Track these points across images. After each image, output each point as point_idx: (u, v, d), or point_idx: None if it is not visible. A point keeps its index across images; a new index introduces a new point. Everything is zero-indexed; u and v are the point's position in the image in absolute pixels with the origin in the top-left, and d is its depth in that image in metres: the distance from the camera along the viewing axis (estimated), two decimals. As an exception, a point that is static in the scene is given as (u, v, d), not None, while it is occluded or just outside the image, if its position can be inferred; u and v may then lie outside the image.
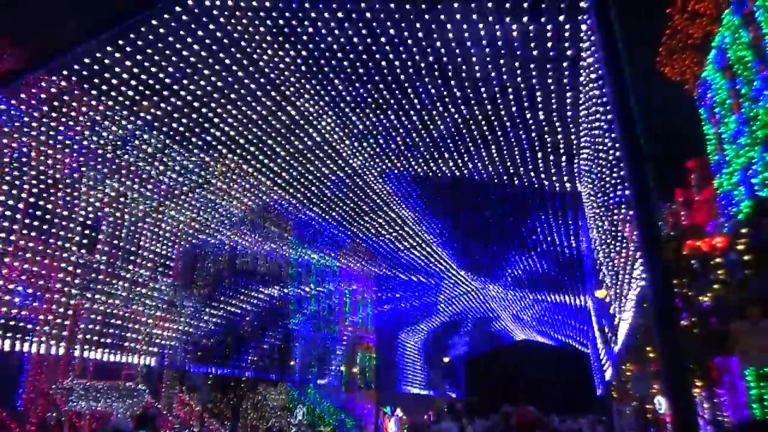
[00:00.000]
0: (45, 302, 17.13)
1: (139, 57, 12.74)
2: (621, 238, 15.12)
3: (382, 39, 12.00)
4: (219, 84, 14.15)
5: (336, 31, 12.09)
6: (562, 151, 15.42)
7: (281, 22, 12.15)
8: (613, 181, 13.12)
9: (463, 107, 14.02)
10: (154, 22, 11.39)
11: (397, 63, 12.77)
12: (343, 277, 37.55)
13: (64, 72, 14.35)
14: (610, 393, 32.67)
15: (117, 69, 13.31)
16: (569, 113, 13.55)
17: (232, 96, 14.68)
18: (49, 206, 18.00)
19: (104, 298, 19.10)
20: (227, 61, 13.25)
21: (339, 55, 12.76)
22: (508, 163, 16.66)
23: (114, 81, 14.18)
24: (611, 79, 3.45)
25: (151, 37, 11.94)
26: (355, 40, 12.24)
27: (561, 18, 10.79)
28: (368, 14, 11.43)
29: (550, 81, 12.56)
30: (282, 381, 21.65)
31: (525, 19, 10.90)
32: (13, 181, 16.75)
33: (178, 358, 21.84)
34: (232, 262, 25.23)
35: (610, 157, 12.38)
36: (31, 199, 17.32)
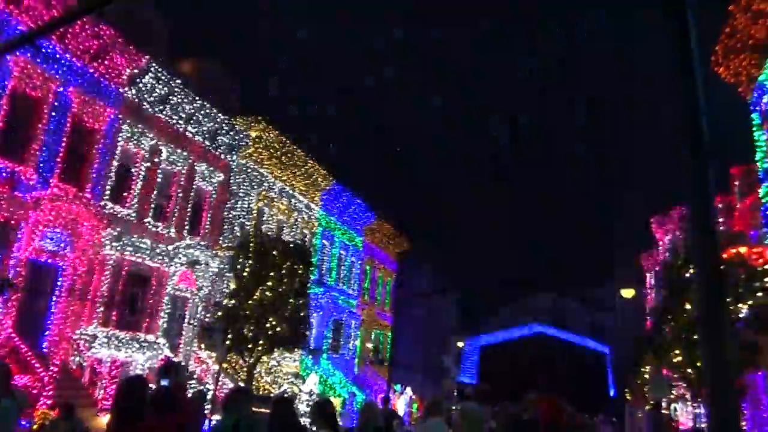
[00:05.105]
0: (75, 250, 17.49)
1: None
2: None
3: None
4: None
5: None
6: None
7: None
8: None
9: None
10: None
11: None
12: (366, 253, 37.62)
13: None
14: (623, 394, 32.25)
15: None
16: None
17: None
18: (85, 155, 18.30)
19: (132, 251, 19.46)
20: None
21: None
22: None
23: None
24: (679, 71, 3.23)
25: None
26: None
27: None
28: None
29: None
30: (297, 348, 21.84)
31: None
32: (55, 129, 17.00)
33: (199, 316, 22.23)
34: (258, 228, 25.37)
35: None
36: (69, 148, 17.57)
